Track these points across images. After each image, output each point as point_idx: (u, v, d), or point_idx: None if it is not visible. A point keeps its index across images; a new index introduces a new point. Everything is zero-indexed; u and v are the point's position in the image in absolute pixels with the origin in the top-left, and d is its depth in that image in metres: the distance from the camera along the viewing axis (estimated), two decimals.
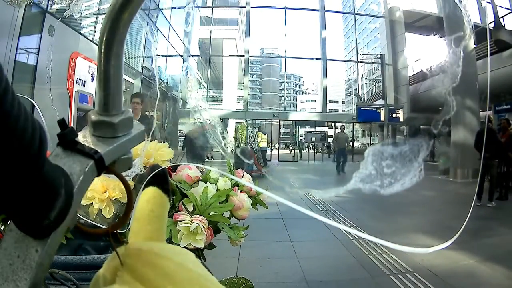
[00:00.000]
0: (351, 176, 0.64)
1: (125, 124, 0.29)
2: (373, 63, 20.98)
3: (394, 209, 4.63)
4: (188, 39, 17.27)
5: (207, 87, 19.99)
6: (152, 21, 13.47)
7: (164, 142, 0.68)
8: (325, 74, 17.92)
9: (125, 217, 0.30)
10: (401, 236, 3.53)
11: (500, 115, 9.66)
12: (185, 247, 0.58)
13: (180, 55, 16.62)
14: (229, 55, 22.87)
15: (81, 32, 7.26)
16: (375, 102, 17.97)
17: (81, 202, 0.35)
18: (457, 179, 8.06)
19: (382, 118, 14.52)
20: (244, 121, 15.14)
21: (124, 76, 0.30)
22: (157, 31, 13.87)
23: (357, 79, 21.33)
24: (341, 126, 12.05)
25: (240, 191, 0.68)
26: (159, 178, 0.33)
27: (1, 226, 0.47)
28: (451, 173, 8.37)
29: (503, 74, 8.47)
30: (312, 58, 19.14)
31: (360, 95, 21.01)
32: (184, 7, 15.33)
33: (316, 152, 17.79)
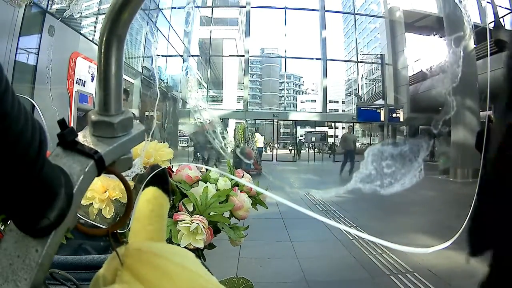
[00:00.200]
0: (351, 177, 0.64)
1: (125, 124, 0.29)
2: (373, 63, 20.98)
3: (394, 209, 4.62)
4: (188, 39, 17.27)
5: (207, 87, 20.00)
6: (152, 21, 13.48)
7: (164, 142, 0.68)
8: (325, 74, 17.93)
9: (125, 217, 0.30)
10: (401, 236, 3.53)
11: None
12: (185, 247, 0.58)
13: (180, 55, 16.63)
14: (229, 55, 22.88)
15: (81, 32, 7.26)
16: (375, 102, 17.96)
17: (81, 202, 0.35)
18: (457, 179, 8.06)
19: (382, 118, 14.51)
20: (243, 121, 15.14)
21: (124, 76, 0.30)
22: (157, 31, 13.88)
23: (357, 79, 21.33)
24: (349, 126, 11.95)
25: (240, 191, 0.68)
26: (159, 178, 0.33)
27: (1, 226, 0.47)
28: (451, 173, 8.37)
29: (503, 74, 8.44)
30: (312, 58, 19.14)
31: (360, 95, 21.00)
32: (184, 7, 15.34)
33: (318, 152, 17.76)
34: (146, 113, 10.73)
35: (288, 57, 21.45)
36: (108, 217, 0.60)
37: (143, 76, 12.52)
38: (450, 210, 4.47)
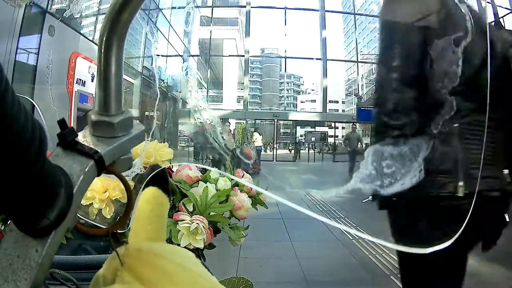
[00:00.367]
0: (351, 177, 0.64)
1: (125, 124, 0.29)
2: (373, 63, 20.96)
3: None
4: (188, 39, 17.26)
5: (207, 87, 19.99)
6: (152, 21, 13.47)
7: (164, 142, 0.68)
8: (325, 74, 17.91)
9: (125, 217, 0.30)
10: None
11: None
12: (185, 247, 0.58)
13: (180, 55, 16.62)
14: (229, 55, 22.88)
15: (81, 32, 7.26)
16: None
17: (81, 202, 0.35)
18: None
19: None
20: (243, 121, 15.14)
21: (124, 76, 0.30)
22: (157, 31, 13.87)
23: (357, 79, 21.32)
24: (352, 125, 11.99)
25: (240, 191, 0.68)
26: (159, 178, 0.33)
27: (1, 226, 0.47)
28: None
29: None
30: (312, 58, 19.12)
31: (360, 95, 20.98)
32: (184, 7, 15.32)
33: (319, 152, 17.74)
34: (146, 113, 10.73)
35: (288, 57, 21.44)
36: (108, 217, 0.60)
37: (143, 76, 12.51)
38: None
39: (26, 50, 5.22)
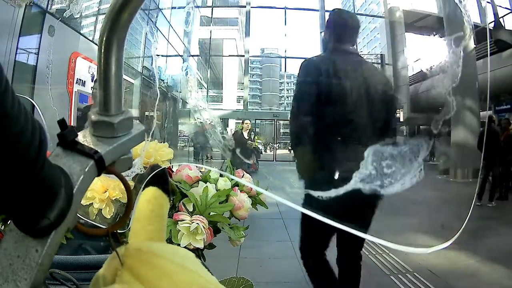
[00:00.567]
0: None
1: (125, 124, 0.29)
2: (373, 63, 20.97)
3: (394, 209, 4.62)
4: (188, 39, 17.26)
5: (207, 87, 19.98)
6: (152, 21, 13.47)
7: (164, 142, 0.68)
8: None
9: (125, 217, 0.30)
10: (401, 236, 3.53)
11: (500, 115, 9.66)
12: (185, 247, 0.58)
13: (180, 55, 16.62)
14: (229, 55, 22.86)
15: (81, 32, 7.26)
16: None
17: (81, 202, 0.35)
18: (457, 179, 8.04)
19: None
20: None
21: (124, 76, 0.30)
22: (157, 31, 13.86)
23: None
24: None
25: (240, 191, 0.68)
26: (159, 178, 0.33)
27: (1, 226, 0.47)
28: (451, 173, 8.36)
29: (503, 74, 8.46)
30: None
31: None
32: (184, 7, 15.34)
33: None
34: (146, 113, 10.72)
35: (288, 57, 21.44)
36: (108, 217, 0.60)
37: (143, 76, 12.51)
38: (450, 210, 4.47)
39: (26, 50, 5.22)
